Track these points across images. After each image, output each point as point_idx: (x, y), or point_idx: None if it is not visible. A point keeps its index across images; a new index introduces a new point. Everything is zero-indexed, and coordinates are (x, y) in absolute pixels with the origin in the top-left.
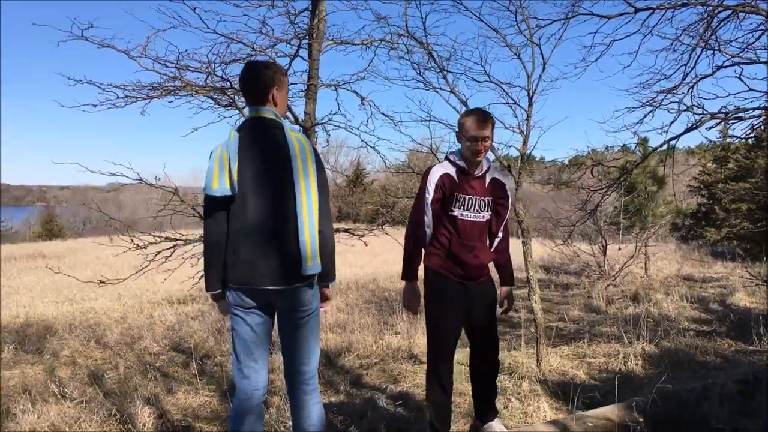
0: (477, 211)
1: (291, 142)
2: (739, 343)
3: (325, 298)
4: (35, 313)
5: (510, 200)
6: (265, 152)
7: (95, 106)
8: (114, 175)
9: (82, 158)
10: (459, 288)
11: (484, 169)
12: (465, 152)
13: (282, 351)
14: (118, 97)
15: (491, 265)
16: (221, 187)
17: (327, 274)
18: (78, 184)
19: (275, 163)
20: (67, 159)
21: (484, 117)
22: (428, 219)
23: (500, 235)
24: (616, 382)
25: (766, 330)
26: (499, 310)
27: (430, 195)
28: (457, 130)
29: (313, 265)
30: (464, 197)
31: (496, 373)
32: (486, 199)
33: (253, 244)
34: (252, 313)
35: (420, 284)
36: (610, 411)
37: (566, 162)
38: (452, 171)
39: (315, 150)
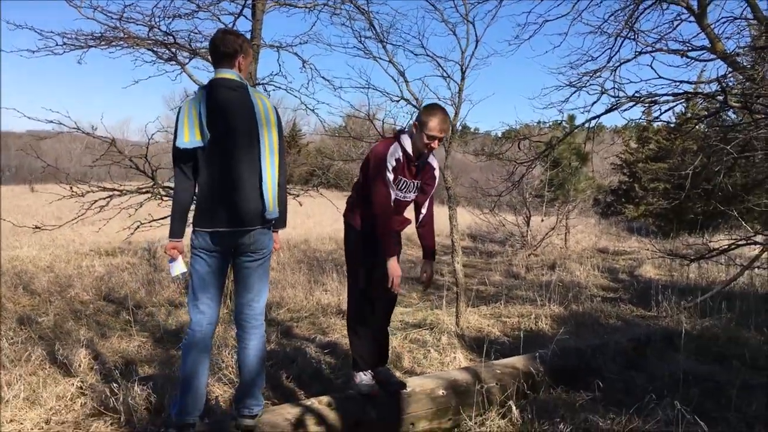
0: (407, 191)
1: (255, 102)
2: (639, 308)
3: (274, 241)
4: None
5: (436, 181)
6: (231, 108)
7: (33, 52)
8: (51, 122)
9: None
10: (376, 247)
11: (424, 158)
12: (419, 144)
13: (235, 288)
14: (57, 44)
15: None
16: (192, 140)
17: (282, 220)
18: None
19: (241, 119)
20: None
21: (446, 120)
22: (393, 194)
23: (424, 211)
24: (522, 336)
25: (665, 298)
26: (420, 286)
27: (391, 174)
28: (414, 120)
29: (273, 211)
30: (402, 179)
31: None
32: (416, 182)
33: (221, 192)
34: (213, 255)
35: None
36: (516, 360)
37: (499, 134)
38: (401, 155)
39: (277, 111)
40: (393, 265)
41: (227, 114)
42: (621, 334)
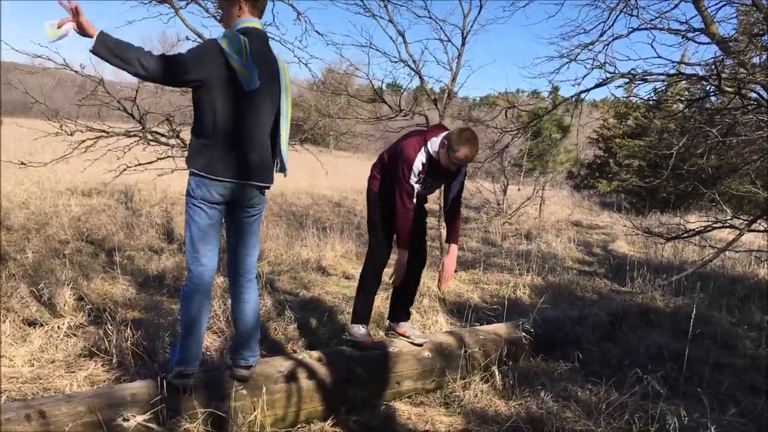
0: (431, 188)
1: (278, 59)
2: (614, 283)
3: None
4: None
5: (464, 176)
6: (265, 62)
7: None
8: (38, 57)
9: None
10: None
11: None
12: (443, 160)
13: (230, 242)
14: None
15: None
16: (242, 76)
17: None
18: None
19: (271, 74)
20: None
21: (474, 150)
22: (416, 191)
23: (451, 196)
24: (506, 304)
25: (639, 274)
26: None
27: (415, 178)
28: (444, 138)
29: (284, 171)
30: (427, 179)
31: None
32: (439, 181)
33: (240, 144)
34: (215, 207)
35: None
36: (498, 327)
37: (477, 100)
38: (425, 159)
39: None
40: (401, 260)
41: (264, 69)
42: (598, 308)
